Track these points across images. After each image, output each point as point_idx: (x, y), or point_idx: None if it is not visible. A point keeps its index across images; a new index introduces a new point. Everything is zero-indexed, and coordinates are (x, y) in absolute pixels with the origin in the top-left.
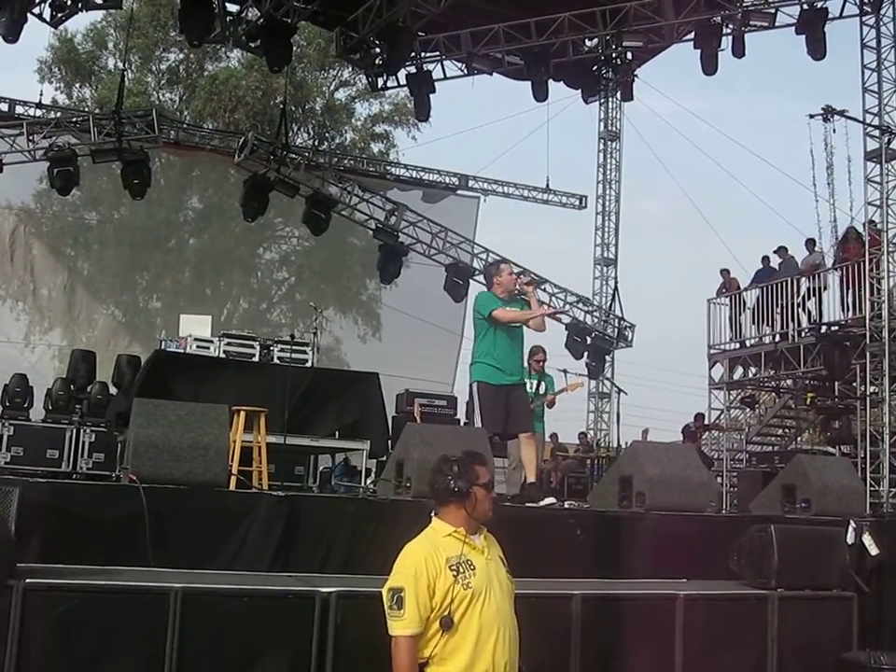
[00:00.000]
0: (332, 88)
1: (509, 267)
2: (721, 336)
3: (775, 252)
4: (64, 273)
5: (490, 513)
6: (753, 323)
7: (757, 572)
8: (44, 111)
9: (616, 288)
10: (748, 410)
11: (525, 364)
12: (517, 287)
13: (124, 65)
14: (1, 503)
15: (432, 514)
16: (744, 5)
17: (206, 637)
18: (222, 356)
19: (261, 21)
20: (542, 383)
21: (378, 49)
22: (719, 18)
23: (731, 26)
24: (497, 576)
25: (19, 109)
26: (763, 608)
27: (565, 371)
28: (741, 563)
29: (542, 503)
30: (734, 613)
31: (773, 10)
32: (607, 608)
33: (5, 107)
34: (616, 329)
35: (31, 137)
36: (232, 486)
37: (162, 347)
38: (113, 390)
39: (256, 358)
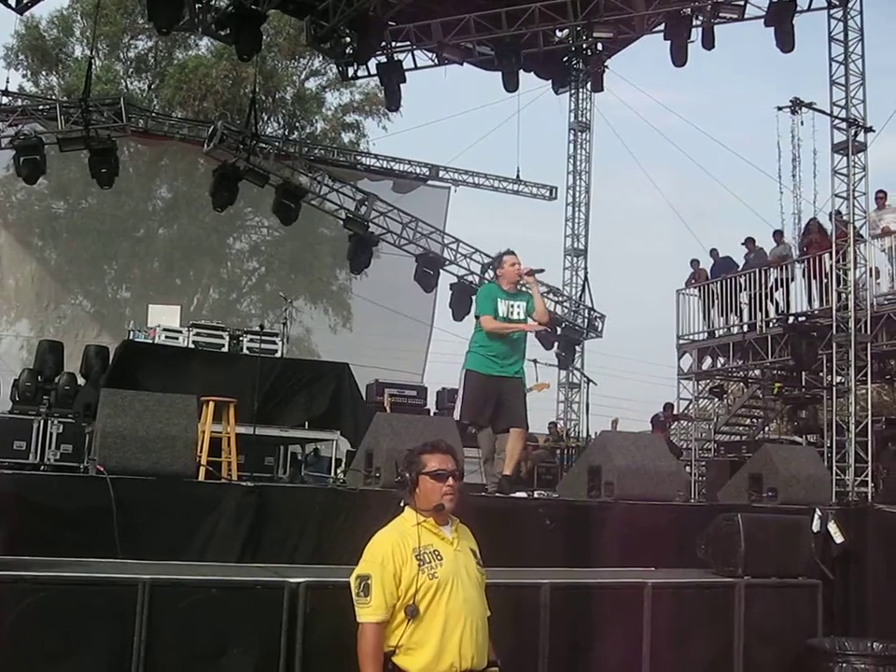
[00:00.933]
0: (303, 77)
1: (512, 258)
2: (690, 326)
3: (743, 244)
4: (32, 262)
5: (441, 502)
6: (721, 315)
7: (724, 560)
8: (10, 99)
9: (586, 279)
10: (716, 400)
11: None
12: (518, 276)
13: (91, 53)
14: None
15: (402, 504)
16: None
17: (175, 629)
18: (191, 346)
19: (231, 8)
20: None
21: (349, 39)
22: (689, 9)
23: (700, 18)
24: (466, 567)
25: None
26: (730, 595)
27: (535, 361)
28: (708, 551)
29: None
30: (701, 601)
31: (742, 2)
32: (576, 596)
33: None
34: (586, 320)
35: None
36: (202, 477)
37: (131, 338)
38: (81, 381)
39: (225, 349)
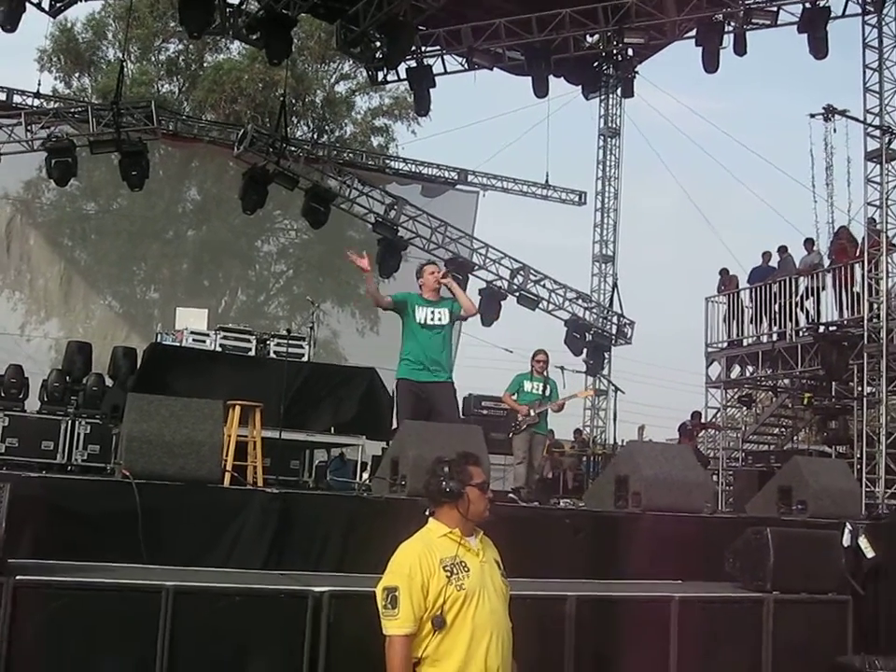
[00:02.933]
0: (332, 81)
1: (431, 266)
2: (718, 335)
3: (777, 251)
4: (61, 263)
5: (486, 514)
6: (751, 323)
7: (752, 575)
8: (42, 101)
9: (615, 285)
10: (744, 409)
11: (528, 365)
12: (437, 284)
13: (123, 56)
14: None
15: (427, 514)
16: (746, 2)
17: (198, 636)
18: (218, 349)
19: (261, 13)
20: (547, 386)
21: (379, 43)
22: (721, 15)
23: (733, 24)
24: (492, 579)
25: (17, 99)
26: (759, 611)
27: (562, 368)
28: (737, 565)
29: None
30: (729, 616)
31: (775, 8)
32: (601, 609)
33: (3, 97)
34: (615, 326)
35: (29, 127)
36: (227, 482)
37: (159, 340)
38: (109, 382)
39: (252, 352)
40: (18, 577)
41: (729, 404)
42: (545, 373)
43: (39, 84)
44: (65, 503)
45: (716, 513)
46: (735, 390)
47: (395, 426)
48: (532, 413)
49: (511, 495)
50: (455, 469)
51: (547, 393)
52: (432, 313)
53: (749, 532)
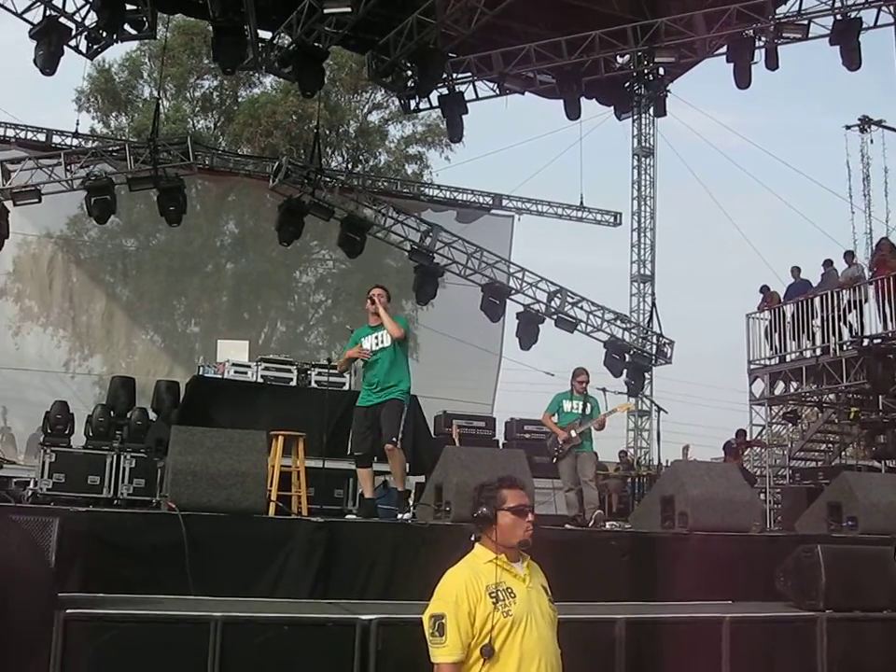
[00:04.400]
0: (365, 111)
1: (376, 290)
2: (760, 351)
3: (822, 265)
4: (103, 299)
5: (524, 538)
6: (793, 339)
7: (804, 594)
8: (81, 141)
9: (654, 305)
10: (790, 425)
11: (569, 385)
12: (372, 309)
13: (159, 94)
14: (42, 533)
15: (472, 539)
16: (776, 17)
17: (247, 667)
18: (260, 380)
19: (293, 46)
20: (588, 404)
21: (410, 72)
22: (751, 31)
23: (763, 39)
24: (539, 604)
25: (56, 139)
26: (812, 630)
27: (604, 390)
28: (787, 584)
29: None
30: (781, 636)
31: (806, 22)
32: (651, 632)
33: (42, 137)
34: (655, 346)
35: (69, 167)
36: (272, 512)
37: (201, 373)
38: (153, 416)
39: (293, 383)
40: (68, 610)
41: (774, 421)
42: (585, 392)
43: (78, 124)
44: (113, 537)
45: (764, 532)
46: (780, 407)
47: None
48: (573, 435)
49: (567, 525)
50: (487, 493)
51: (588, 411)
52: (376, 338)
53: (799, 550)
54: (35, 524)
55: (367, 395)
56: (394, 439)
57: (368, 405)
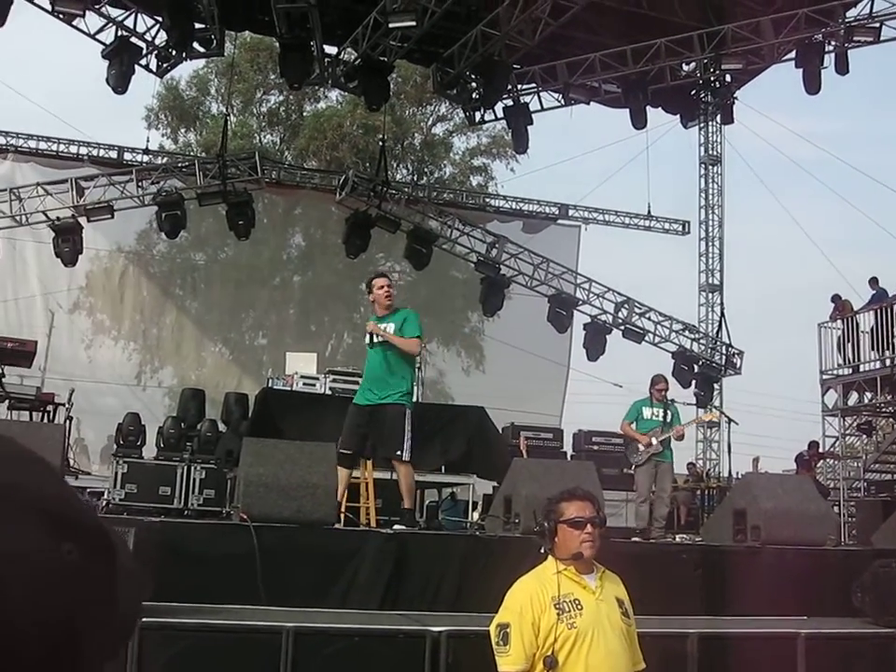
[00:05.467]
0: (430, 123)
1: (381, 280)
2: (833, 361)
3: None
4: (173, 312)
5: (580, 550)
6: (873, 349)
7: (883, 609)
8: (151, 157)
9: (723, 314)
10: (864, 437)
11: (646, 393)
12: (388, 300)
13: (227, 110)
14: None
15: (542, 551)
16: (847, 21)
17: None
18: (328, 392)
19: (359, 61)
20: (668, 411)
21: (474, 84)
22: (820, 35)
23: (833, 43)
24: (609, 617)
25: (127, 156)
26: (891, 647)
27: (672, 401)
28: (865, 599)
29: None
30: (859, 652)
31: (877, 24)
32: (724, 647)
33: (114, 155)
34: (724, 357)
35: (140, 183)
36: (341, 524)
37: (270, 385)
38: (222, 427)
39: None
40: (143, 620)
41: (848, 432)
42: (665, 399)
43: (148, 141)
44: (186, 547)
45: (840, 546)
46: (854, 417)
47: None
48: (654, 442)
49: (634, 538)
50: (548, 507)
51: (668, 419)
52: (385, 329)
53: (876, 565)
54: None
55: (365, 393)
56: (399, 452)
57: (364, 405)
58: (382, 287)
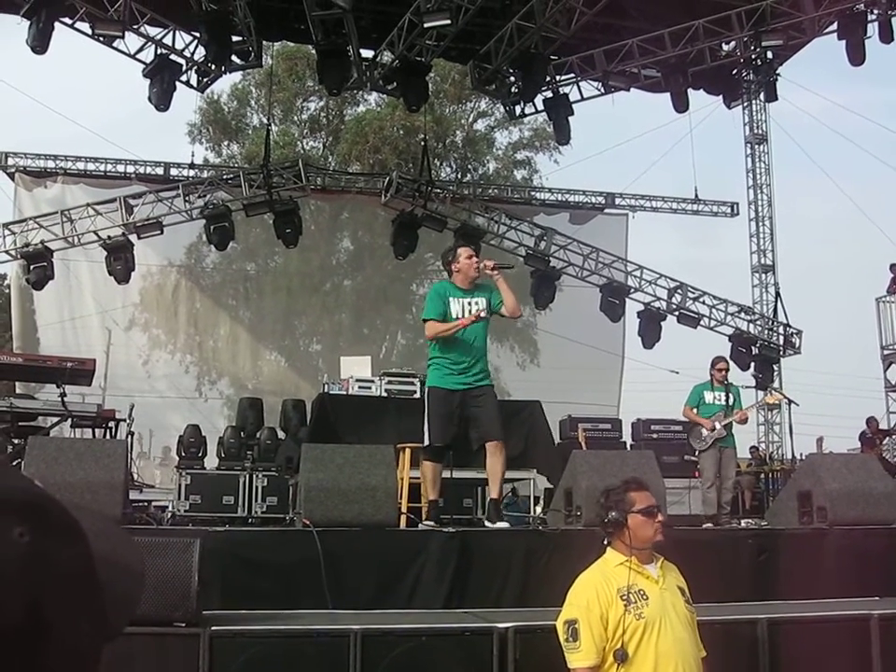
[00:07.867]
0: (471, 120)
1: (467, 250)
2: (894, 335)
3: None
4: (227, 323)
5: (656, 539)
6: None
7: None
8: (196, 171)
9: (778, 294)
10: None
11: (708, 375)
12: (478, 272)
13: (268, 120)
14: (184, 553)
15: (604, 543)
16: None
17: None
18: (384, 394)
19: (396, 63)
20: (730, 394)
21: (513, 78)
22: (862, 5)
23: (876, 11)
24: (674, 606)
25: (173, 172)
26: None
27: (731, 383)
28: None
29: (494, 526)
30: None
31: None
32: (795, 631)
33: (160, 171)
34: (782, 337)
35: (187, 198)
36: (403, 524)
37: (326, 390)
38: (281, 435)
39: (417, 395)
40: (213, 627)
41: None
42: (726, 381)
43: (193, 155)
44: (251, 554)
45: None
46: None
47: (426, 441)
48: (718, 427)
49: (706, 525)
50: (615, 497)
51: (731, 402)
52: (470, 304)
53: None
54: (178, 545)
55: (453, 376)
56: (504, 435)
57: (455, 389)
58: (470, 256)
